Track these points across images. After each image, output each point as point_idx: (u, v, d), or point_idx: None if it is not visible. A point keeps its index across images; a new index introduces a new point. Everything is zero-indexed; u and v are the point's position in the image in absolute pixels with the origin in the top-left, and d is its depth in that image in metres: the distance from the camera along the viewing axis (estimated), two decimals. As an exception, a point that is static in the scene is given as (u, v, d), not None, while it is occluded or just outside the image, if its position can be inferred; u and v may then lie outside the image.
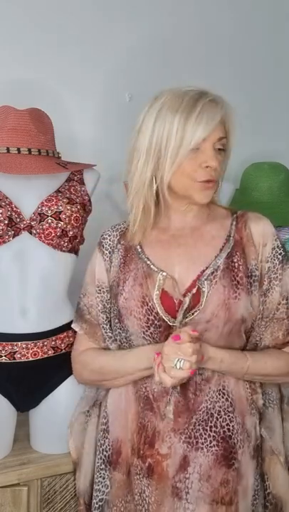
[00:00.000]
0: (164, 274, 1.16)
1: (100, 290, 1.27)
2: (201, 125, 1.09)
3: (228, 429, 1.14)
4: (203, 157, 1.12)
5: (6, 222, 1.30)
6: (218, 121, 1.11)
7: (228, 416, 1.14)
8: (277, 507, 1.20)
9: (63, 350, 1.39)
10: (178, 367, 1.04)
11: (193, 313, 1.13)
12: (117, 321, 1.23)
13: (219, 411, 1.14)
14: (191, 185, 1.14)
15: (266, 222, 1.22)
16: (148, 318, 1.16)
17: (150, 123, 1.14)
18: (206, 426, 1.13)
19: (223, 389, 1.16)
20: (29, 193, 1.36)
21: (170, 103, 1.12)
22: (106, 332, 1.26)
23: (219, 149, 1.14)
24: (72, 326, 1.34)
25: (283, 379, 1.21)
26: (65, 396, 1.39)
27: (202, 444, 1.12)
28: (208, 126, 1.10)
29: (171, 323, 1.14)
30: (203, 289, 1.13)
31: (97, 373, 1.26)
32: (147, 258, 1.21)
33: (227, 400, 1.15)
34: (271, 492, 1.19)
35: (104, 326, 1.26)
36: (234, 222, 1.22)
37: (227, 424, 1.14)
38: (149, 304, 1.16)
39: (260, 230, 1.20)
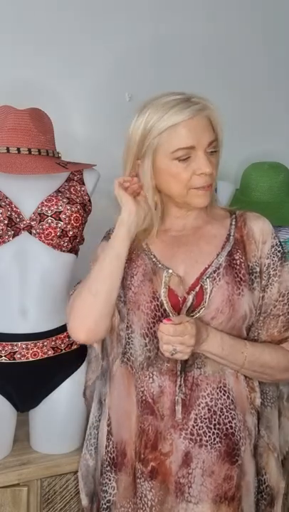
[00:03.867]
0: (170, 271, 1.18)
1: None
2: (191, 133, 1.11)
3: (231, 427, 1.15)
4: (197, 165, 1.14)
5: (6, 222, 1.30)
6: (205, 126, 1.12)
7: (230, 413, 1.16)
8: (273, 497, 1.23)
9: (63, 351, 1.39)
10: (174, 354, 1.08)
11: (199, 311, 1.15)
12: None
13: (221, 408, 1.15)
14: (188, 192, 1.16)
15: (265, 221, 1.24)
16: (155, 314, 1.17)
17: (137, 136, 1.15)
18: (210, 424, 1.14)
19: (224, 386, 1.16)
20: (29, 193, 1.36)
21: (155, 117, 1.13)
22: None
23: (211, 152, 1.16)
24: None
25: (281, 375, 1.22)
26: (64, 396, 1.40)
27: (206, 441, 1.14)
28: (196, 134, 1.12)
29: None
30: (206, 287, 1.15)
31: (87, 293, 1.18)
32: (153, 256, 1.22)
33: (228, 397, 1.16)
34: (269, 485, 1.22)
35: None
36: (234, 222, 1.25)
37: (229, 422, 1.15)
38: (159, 300, 1.17)
39: (260, 227, 1.22)
